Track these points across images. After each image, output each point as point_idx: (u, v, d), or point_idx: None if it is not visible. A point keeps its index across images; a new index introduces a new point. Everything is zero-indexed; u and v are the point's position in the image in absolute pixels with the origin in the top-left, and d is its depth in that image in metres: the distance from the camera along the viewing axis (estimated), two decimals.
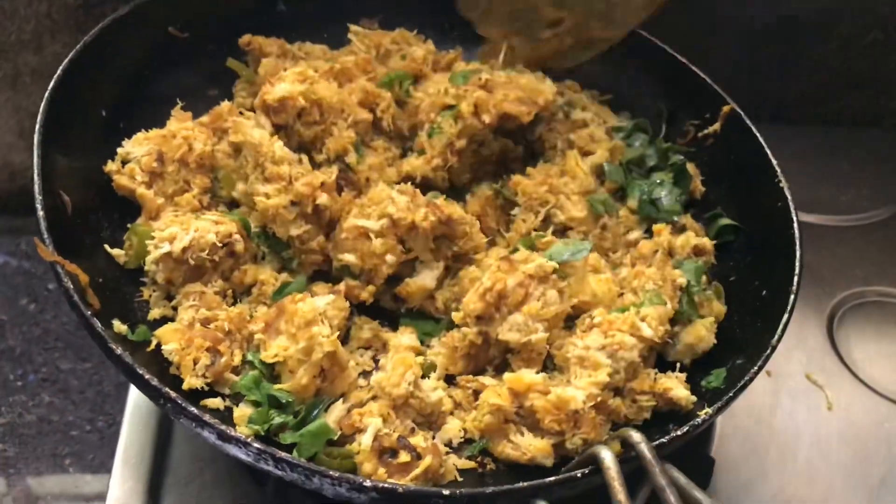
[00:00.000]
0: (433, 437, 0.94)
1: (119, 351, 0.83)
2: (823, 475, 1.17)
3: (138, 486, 1.05)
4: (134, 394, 1.13)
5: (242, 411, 0.91)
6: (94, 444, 1.43)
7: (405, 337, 1.02)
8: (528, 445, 0.92)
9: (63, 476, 1.39)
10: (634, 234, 1.12)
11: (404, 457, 0.88)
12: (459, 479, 0.90)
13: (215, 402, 0.90)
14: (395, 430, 0.90)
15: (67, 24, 1.39)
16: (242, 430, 0.88)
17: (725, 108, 1.19)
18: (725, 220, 1.15)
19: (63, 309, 1.58)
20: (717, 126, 1.20)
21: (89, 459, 1.41)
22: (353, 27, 1.25)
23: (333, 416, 0.91)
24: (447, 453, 0.92)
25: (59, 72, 0.99)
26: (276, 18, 1.23)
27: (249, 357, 0.94)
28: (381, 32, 1.25)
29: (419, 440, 0.90)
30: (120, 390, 1.47)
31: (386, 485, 0.81)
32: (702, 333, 1.02)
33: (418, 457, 0.88)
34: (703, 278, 1.08)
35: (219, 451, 1.03)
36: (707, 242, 1.10)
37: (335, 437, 0.90)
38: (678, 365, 1.01)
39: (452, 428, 0.95)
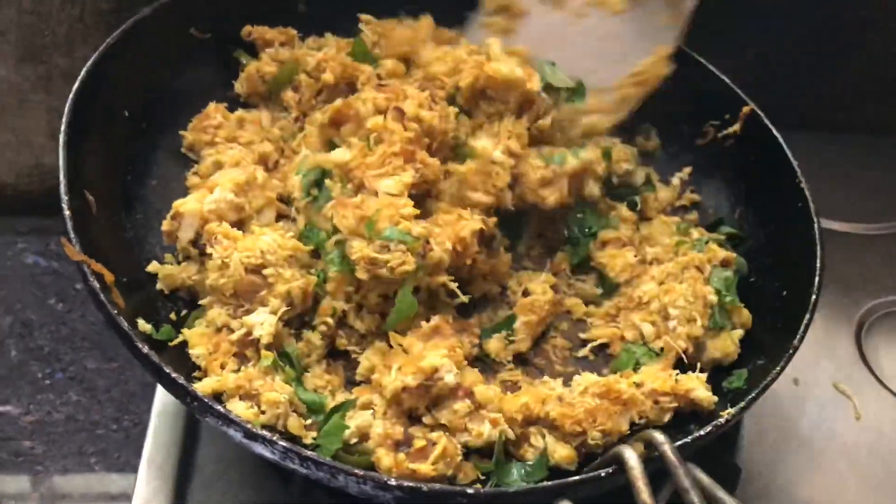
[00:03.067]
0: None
1: (146, 350, 0.84)
2: (852, 486, 1.16)
3: (164, 486, 1.05)
4: (161, 393, 1.14)
5: None
6: (119, 443, 1.43)
7: None
8: (551, 452, 0.92)
9: (89, 474, 1.40)
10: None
11: (419, 442, 0.88)
12: (482, 477, 0.90)
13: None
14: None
15: (98, 28, 1.41)
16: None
17: (745, 109, 1.18)
18: (729, 229, 1.16)
19: (90, 309, 1.58)
20: (736, 127, 1.20)
21: (115, 458, 1.42)
22: (363, 16, 1.22)
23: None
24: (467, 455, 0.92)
25: (82, 73, 1.00)
26: (298, 19, 1.22)
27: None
28: (394, 21, 1.23)
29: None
30: (146, 390, 1.47)
31: (410, 483, 0.81)
32: (728, 348, 1.02)
33: (432, 442, 0.89)
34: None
35: (244, 451, 1.03)
36: (731, 255, 1.10)
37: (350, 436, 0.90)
38: (698, 365, 1.01)
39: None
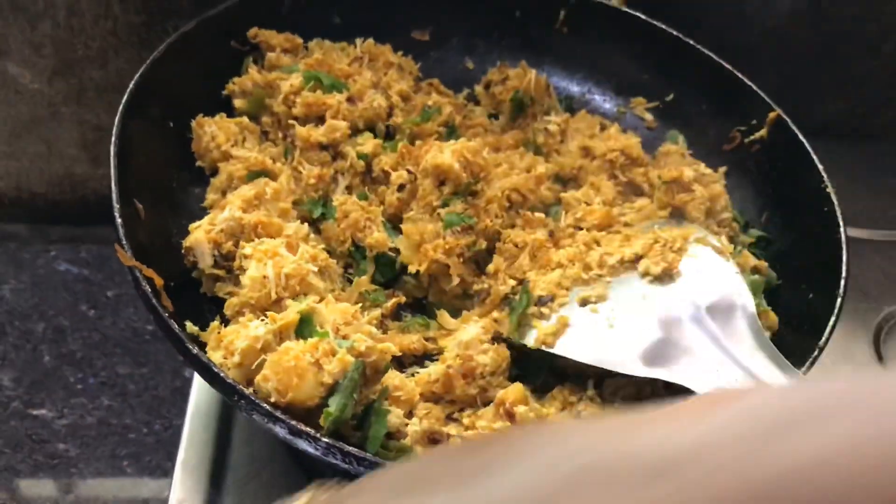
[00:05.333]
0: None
1: (195, 350, 0.86)
2: None
3: (199, 486, 1.08)
4: (195, 397, 1.16)
5: None
6: (150, 447, 1.47)
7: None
8: None
9: (121, 478, 1.43)
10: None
11: (455, 441, 0.90)
12: None
13: None
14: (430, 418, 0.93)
15: (131, 42, 1.45)
16: None
17: (772, 115, 1.19)
18: (757, 232, 1.17)
19: (121, 315, 1.62)
20: (763, 132, 1.21)
21: (146, 461, 1.45)
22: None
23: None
24: None
25: (131, 86, 1.03)
26: (333, 31, 1.25)
27: None
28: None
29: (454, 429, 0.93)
30: (175, 395, 1.51)
31: None
32: None
33: None
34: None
35: (276, 452, 1.08)
36: (763, 264, 1.11)
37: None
38: None
39: None
